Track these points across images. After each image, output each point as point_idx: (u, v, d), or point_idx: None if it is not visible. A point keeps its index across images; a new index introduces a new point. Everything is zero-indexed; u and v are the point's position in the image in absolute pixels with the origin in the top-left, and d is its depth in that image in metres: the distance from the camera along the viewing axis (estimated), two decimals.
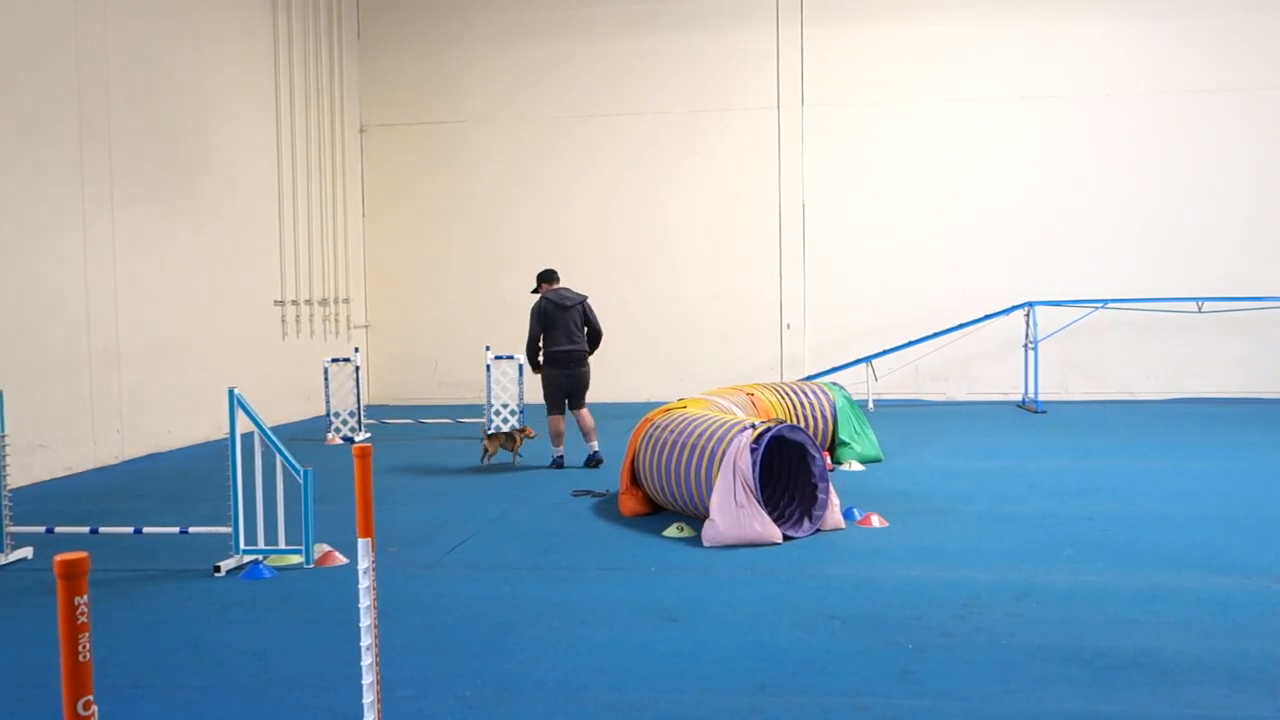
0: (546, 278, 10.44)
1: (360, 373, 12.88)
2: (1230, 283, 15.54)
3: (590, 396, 10.44)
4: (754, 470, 6.93)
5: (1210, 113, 15.77)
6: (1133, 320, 15.74)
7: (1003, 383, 16.12)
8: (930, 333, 15.57)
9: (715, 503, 6.96)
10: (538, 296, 10.36)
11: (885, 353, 15.53)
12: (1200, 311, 15.33)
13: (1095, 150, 16.05)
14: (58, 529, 7.25)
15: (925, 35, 16.24)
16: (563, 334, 10.12)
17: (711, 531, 6.96)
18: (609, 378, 16.82)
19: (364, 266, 17.47)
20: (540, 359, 10.27)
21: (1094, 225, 16.03)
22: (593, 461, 10.24)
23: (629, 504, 8.07)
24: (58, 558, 2.22)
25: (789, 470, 7.58)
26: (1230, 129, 15.74)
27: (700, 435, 7.41)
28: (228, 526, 6.68)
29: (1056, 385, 15.86)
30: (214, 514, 7.82)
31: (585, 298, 10.36)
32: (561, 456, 10.35)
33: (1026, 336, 15.12)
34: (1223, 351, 15.80)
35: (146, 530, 7.21)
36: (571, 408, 10.33)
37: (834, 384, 10.97)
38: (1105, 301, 15.28)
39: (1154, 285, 15.68)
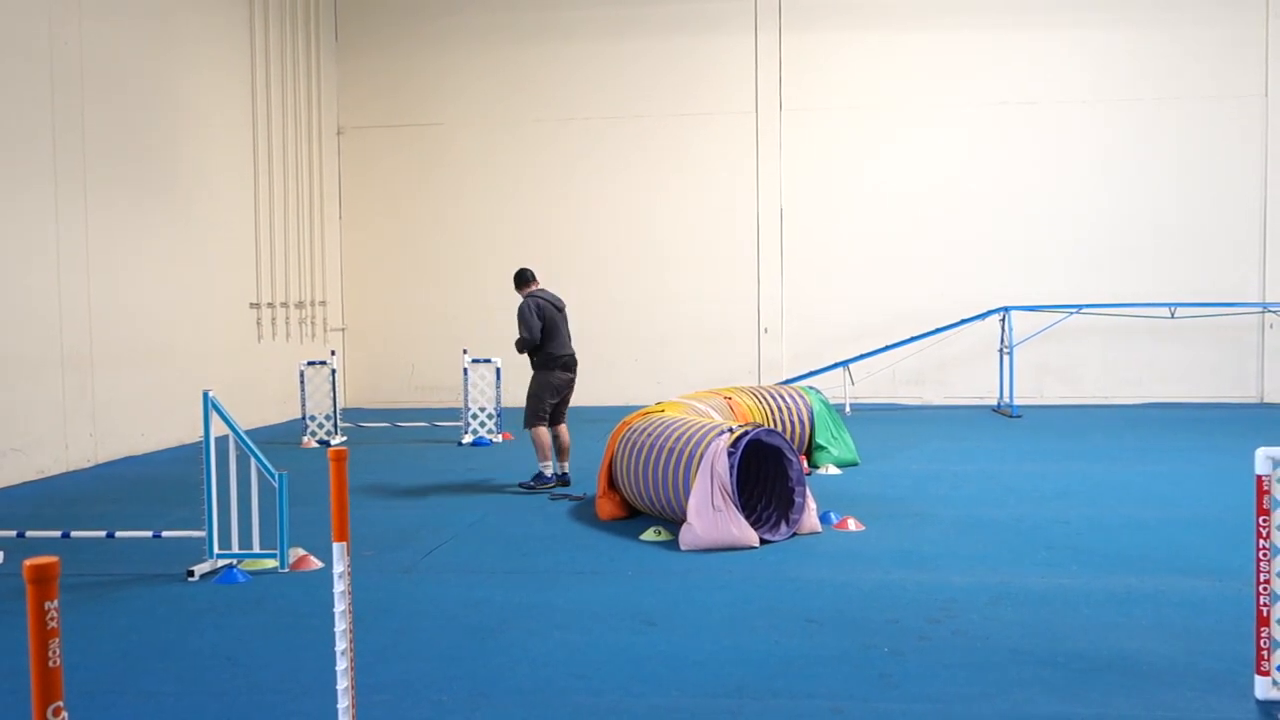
0: (531, 277, 9.71)
1: (336, 376, 12.81)
2: (1202, 289, 15.72)
3: None
4: (731, 474, 6.94)
5: (1184, 120, 15.93)
6: (1107, 325, 15.88)
7: (978, 387, 16.21)
8: (907, 337, 15.64)
9: (693, 506, 6.97)
10: (523, 296, 9.58)
11: (862, 357, 15.60)
12: (1173, 317, 15.49)
13: (1071, 157, 16.18)
14: (29, 533, 7.17)
15: (902, 42, 16.32)
16: (565, 335, 9.52)
17: (689, 535, 6.97)
18: (587, 381, 16.82)
19: (341, 269, 17.39)
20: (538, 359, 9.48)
21: (1069, 231, 16.15)
22: (566, 481, 9.53)
23: (606, 507, 8.06)
24: (27, 562, 2.19)
25: (766, 474, 7.60)
26: (1204, 136, 15.90)
27: (678, 439, 7.41)
28: (201, 530, 6.62)
29: (1031, 390, 15.97)
30: (188, 518, 7.77)
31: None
32: (563, 474, 9.51)
33: (1002, 341, 15.22)
34: (1195, 356, 15.97)
35: (119, 534, 7.13)
36: (554, 421, 9.49)
37: (811, 388, 11.00)
38: (1080, 306, 15.40)
39: (1128, 291, 15.83)
